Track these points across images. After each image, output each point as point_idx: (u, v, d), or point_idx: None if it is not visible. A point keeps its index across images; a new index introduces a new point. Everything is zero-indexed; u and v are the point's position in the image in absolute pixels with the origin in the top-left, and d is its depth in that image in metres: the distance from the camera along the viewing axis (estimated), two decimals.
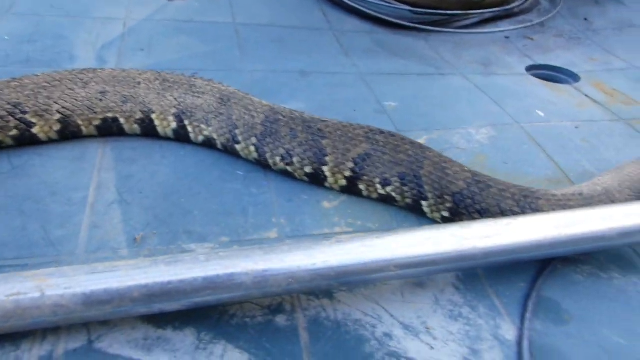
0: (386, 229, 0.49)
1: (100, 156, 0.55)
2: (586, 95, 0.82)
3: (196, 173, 0.54)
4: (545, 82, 0.86)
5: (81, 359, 0.35)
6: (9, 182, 0.50)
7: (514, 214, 0.45)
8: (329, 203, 0.52)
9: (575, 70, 0.93)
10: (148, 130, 0.57)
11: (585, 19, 1.15)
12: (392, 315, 0.40)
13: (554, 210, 0.45)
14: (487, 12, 1.06)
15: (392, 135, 0.52)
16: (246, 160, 0.56)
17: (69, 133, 0.55)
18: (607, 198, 0.48)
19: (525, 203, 0.46)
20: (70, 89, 0.54)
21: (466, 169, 0.50)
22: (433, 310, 0.41)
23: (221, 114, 0.55)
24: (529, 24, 1.08)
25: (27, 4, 0.85)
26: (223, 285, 0.35)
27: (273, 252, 0.37)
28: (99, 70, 0.57)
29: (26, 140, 0.53)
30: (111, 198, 0.50)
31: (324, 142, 0.52)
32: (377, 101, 0.73)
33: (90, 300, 0.34)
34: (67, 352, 0.36)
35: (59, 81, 0.54)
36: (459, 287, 0.43)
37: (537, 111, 0.74)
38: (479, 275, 0.44)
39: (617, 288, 0.45)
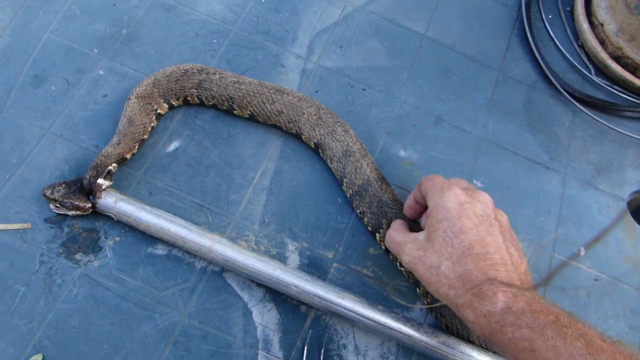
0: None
1: (272, 147, 0.90)
2: None
3: (315, 187, 0.88)
4: (627, 218, 0.97)
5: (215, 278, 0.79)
6: (223, 147, 0.89)
7: None
8: (374, 251, 0.85)
9: None
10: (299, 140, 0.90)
11: None
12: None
13: None
14: None
15: None
16: (346, 194, 0.88)
17: (254, 121, 0.90)
18: None
19: None
20: (262, 102, 0.87)
21: None
22: None
23: (340, 162, 0.86)
24: None
25: None
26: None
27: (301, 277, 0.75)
28: (285, 94, 0.88)
29: (228, 113, 0.90)
30: (266, 184, 0.87)
31: (383, 220, 0.82)
32: (470, 174, 0.94)
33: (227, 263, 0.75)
34: (212, 271, 0.79)
35: (259, 93, 0.87)
36: None
37: (581, 247, 0.92)
38: None
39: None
